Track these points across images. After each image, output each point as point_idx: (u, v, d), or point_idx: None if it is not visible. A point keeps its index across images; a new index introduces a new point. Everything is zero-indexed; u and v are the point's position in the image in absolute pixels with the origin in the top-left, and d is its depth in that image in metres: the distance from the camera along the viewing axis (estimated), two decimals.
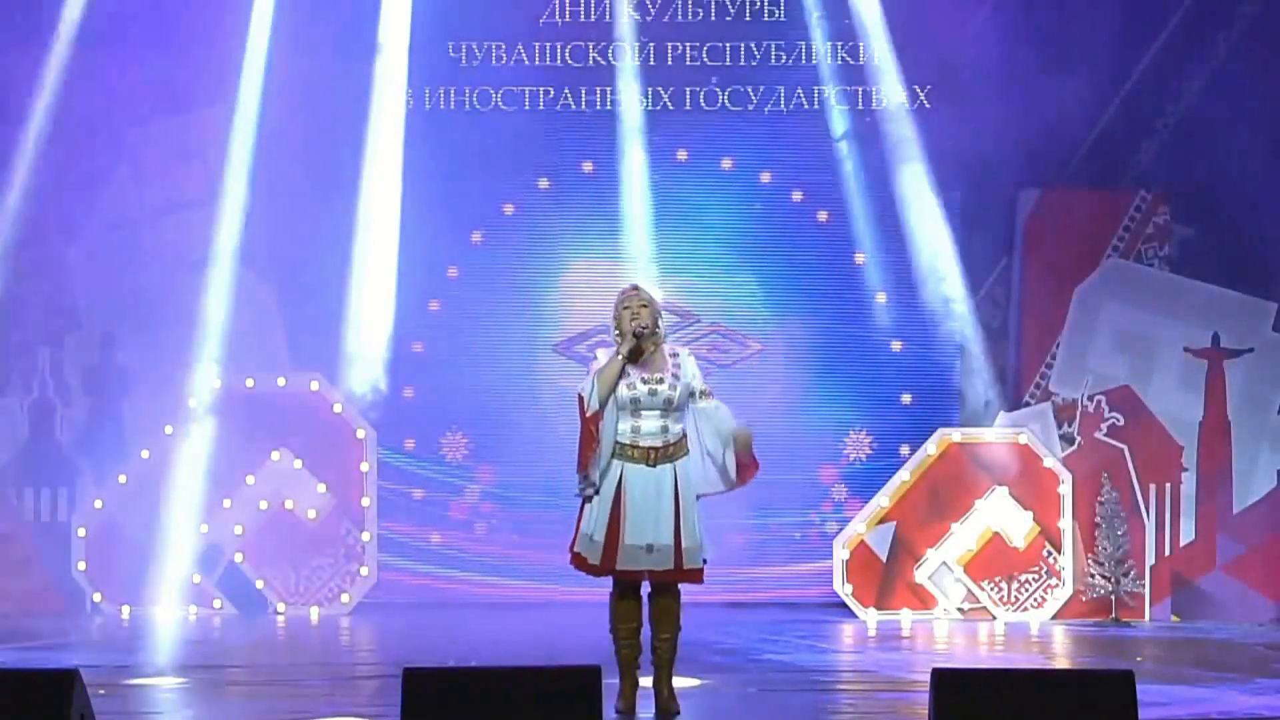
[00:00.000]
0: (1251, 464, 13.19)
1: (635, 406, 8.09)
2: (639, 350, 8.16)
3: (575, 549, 8.16)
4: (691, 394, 8.18)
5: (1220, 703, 8.81)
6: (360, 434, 13.37)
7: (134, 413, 13.48)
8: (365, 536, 13.35)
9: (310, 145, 13.24)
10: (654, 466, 8.09)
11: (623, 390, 8.10)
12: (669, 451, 8.13)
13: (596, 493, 8.09)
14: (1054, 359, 13.44)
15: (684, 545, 8.05)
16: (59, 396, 13.56)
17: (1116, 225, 13.47)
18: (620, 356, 8.13)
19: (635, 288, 8.35)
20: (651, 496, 8.04)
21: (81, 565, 13.21)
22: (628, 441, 8.10)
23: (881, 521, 13.11)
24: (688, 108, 13.74)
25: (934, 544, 13.05)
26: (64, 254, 13.58)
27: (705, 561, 8.21)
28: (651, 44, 13.72)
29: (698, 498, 8.19)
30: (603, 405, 8.09)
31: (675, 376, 8.15)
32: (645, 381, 8.12)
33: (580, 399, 8.15)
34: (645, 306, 8.22)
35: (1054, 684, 6.55)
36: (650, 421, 8.10)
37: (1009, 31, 13.26)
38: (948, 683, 6.38)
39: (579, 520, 8.18)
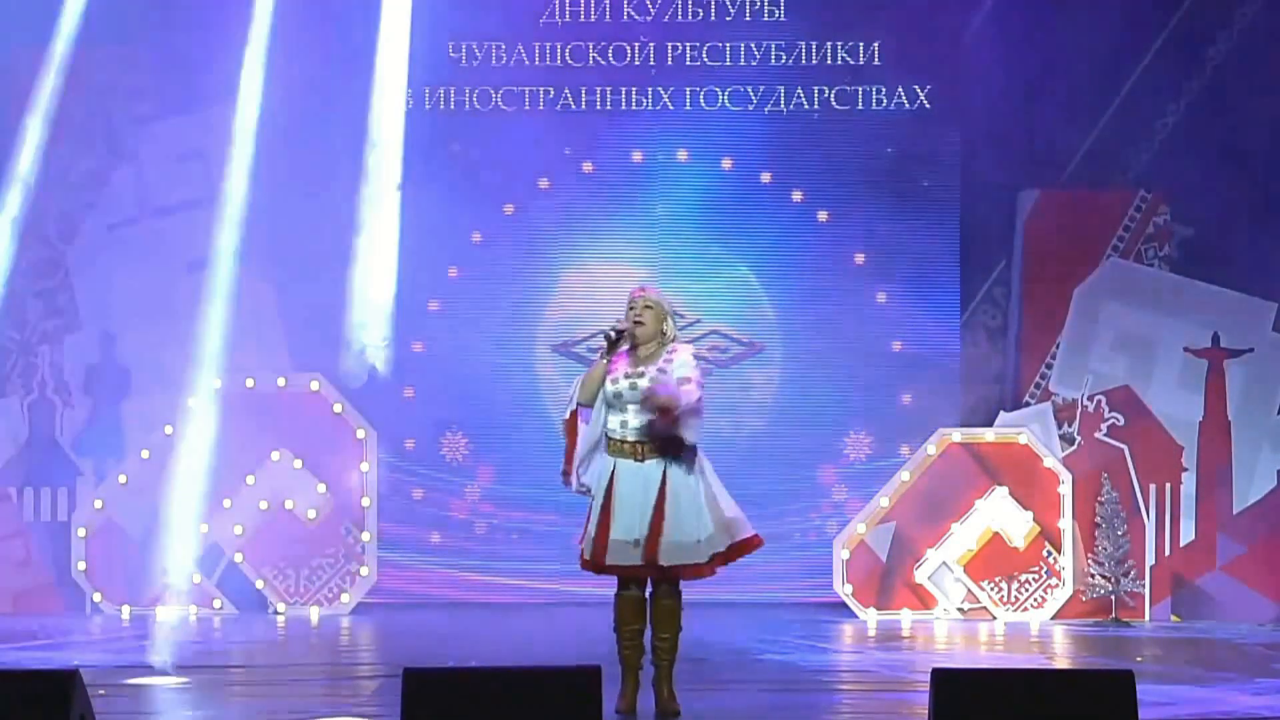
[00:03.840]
0: (1251, 464, 13.18)
1: (619, 401, 8.10)
2: (625, 349, 8.16)
3: (581, 550, 8.18)
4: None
5: (1220, 703, 8.81)
6: (360, 434, 13.37)
7: (134, 413, 13.48)
8: (365, 536, 13.34)
9: (310, 145, 13.23)
10: (642, 461, 8.09)
11: (608, 385, 8.13)
12: (657, 446, 8.11)
13: (589, 493, 8.13)
14: (1054, 359, 13.43)
15: (663, 540, 8.00)
16: (59, 396, 13.56)
17: (1116, 225, 13.46)
18: (604, 360, 8.15)
19: (642, 289, 8.35)
20: (638, 491, 8.04)
21: (81, 565, 13.21)
22: (617, 437, 8.12)
23: (881, 521, 13.11)
24: (688, 108, 13.72)
25: (934, 544, 13.04)
26: (64, 254, 13.59)
27: (724, 554, 8.16)
28: (651, 44, 13.71)
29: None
30: (586, 406, 8.12)
31: (662, 371, 8.13)
32: (628, 376, 8.12)
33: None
34: (649, 308, 8.22)
35: (1054, 684, 6.56)
36: (634, 416, 8.10)
37: (1009, 31, 13.27)
38: (948, 683, 6.38)
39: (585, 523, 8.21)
